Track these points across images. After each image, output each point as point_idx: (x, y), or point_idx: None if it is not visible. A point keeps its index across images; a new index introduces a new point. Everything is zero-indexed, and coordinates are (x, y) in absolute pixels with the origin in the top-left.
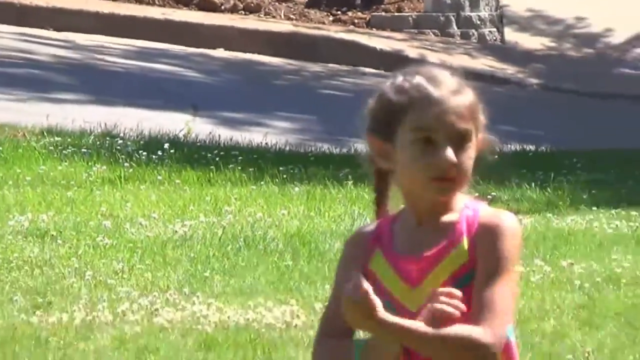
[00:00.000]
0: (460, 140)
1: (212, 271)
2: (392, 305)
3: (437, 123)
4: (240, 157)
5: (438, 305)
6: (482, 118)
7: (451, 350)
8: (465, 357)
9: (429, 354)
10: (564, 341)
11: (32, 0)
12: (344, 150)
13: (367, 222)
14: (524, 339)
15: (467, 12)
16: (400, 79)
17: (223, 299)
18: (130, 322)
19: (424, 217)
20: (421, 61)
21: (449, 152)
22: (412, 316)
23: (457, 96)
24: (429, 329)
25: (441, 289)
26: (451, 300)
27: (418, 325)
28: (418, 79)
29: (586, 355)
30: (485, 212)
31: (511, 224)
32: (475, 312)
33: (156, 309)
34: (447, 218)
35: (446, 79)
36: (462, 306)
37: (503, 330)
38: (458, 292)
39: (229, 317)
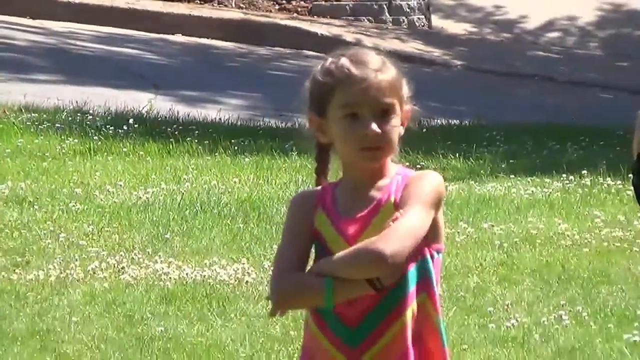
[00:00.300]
0: (383, 113)
1: (172, 233)
2: None
3: (361, 99)
4: (196, 131)
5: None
6: (405, 92)
7: (356, 263)
8: (368, 266)
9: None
10: (485, 295)
11: None
12: (289, 124)
13: (311, 186)
14: (450, 294)
15: (398, 1)
16: (328, 61)
17: (182, 258)
18: (99, 279)
19: (360, 182)
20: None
21: (373, 125)
22: None
23: (379, 74)
24: (343, 252)
25: None
26: None
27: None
28: (342, 61)
29: (505, 307)
30: (412, 174)
31: (432, 175)
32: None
33: (123, 267)
34: (380, 183)
35: (369, 58)
36: None
37: (401, 246)
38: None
39: (187, 274)
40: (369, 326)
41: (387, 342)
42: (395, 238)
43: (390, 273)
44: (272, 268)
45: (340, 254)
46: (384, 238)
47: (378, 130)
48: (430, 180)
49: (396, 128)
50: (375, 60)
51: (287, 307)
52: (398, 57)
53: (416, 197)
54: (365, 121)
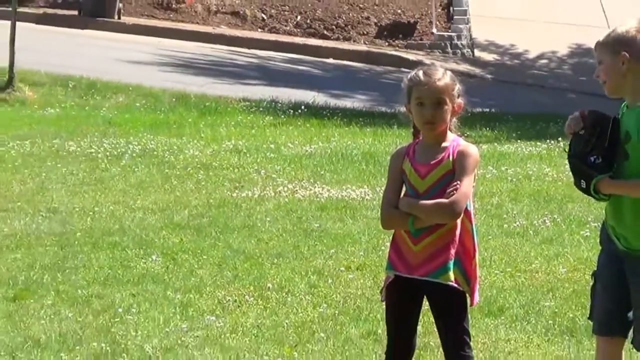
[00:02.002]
0: (438, 104)
1: (325, 170)
2: (411, 189)
3: (424, 95)
4: (340, 114)
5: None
6: (456, 92)
7: (434, 212)
8: (442, 216)
9: (427, 219)
10: (502, 208)
11: (243, 33)
12: (395, 110)
13: (403, 144)
14: (482, 207)
15: (455, 40)
16: (413, 72)
17: (330, 185)
18: (283, 196)
19: (429, 143)
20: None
21: (429, 110)
22: (420, 195)
23: (437, 81)
24: (426, 202)
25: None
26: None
27: (422, 201)
28: (418, 72)
29: (513, 215)
30: (462, 143)
31: (474, 150)
32: (449, 192)
33: (296, 190)
34: (443, 144)
35: (433, 70)
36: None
37: (463, 202)
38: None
39: (333, 194)
40: (427, 227)
41: (436, 237)
42: (459, 200)
43: (454, 220)
44: (382, 196)
45: (425, 202)
46: (454, 200)
47: (432, 113)
48: (472, 156)
49: (446, 113)
50: (437, 72)
51: (387, 229)
52: (455, 72)
53: (466, 170)
54: (426, 108)
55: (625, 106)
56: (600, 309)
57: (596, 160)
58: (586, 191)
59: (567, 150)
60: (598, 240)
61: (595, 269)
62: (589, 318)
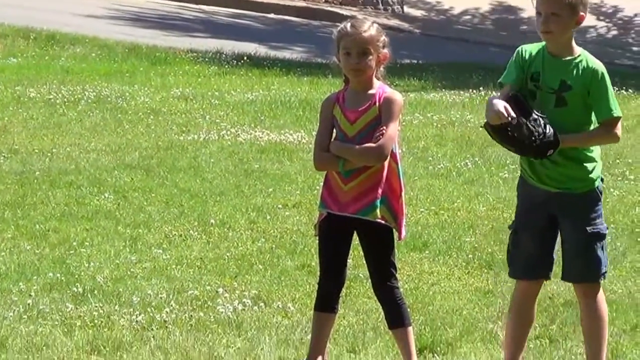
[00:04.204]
0: (363, 54)
1: (264, 116)
2: (341, 133)
3: (350, 45)
4: (279, 64)
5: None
6: (381, 43)
7: (363, 156)
8: (369, 159)
9: (356, 161)
10: (427, 151)
11: None
12: (328, 61)
13: (334, 91)
14: (410, 151)
15: None
16: (341, 25)
17: (269, 129)
18: (225, 139)
19: (357, 90)
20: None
21: (355, 59)
22: (350, 140)
23: (363, 32)
24: (355, 147)
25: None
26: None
27: (351, 146)
28: (346, 24)
29: (438, 157)
30: (388, 90)
31: (398, 97)
32: (376, 137)
33: (238, 134)
34: (370, 91)
35: (361, 24)
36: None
37: (389, 145)
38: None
39: (272, 138)
40: (356, 169)
41: (364, 177)
42: (385, 144)
43: (381, 162)
44: (314, 140)
45: (354, 147)
46: (380, 144)
47: (358, 61)
48: (397, 103)
49: (371, 62)
50: (363, 24)
51: (320, 170)
52: (384, 27)
53: (391, 116)
54: (352, 57)
55: (545, 54)
56: (525, 255)
57: (543, 130)
58: (542, 156)
59: (497, 139)
60: (516, 195)
61: (514, 221)
62: (508, 264)
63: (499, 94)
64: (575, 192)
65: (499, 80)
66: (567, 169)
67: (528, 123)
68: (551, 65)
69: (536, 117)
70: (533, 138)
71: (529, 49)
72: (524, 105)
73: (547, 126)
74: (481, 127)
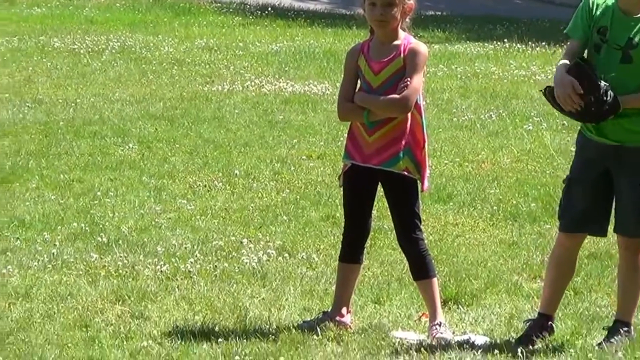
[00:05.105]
0: (388, 5)
1: (289, 67)
2: (365, 84)
3: None
4: (304, 15)
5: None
6: None
7: (387, 107)
8: (393, 110)
9: (380, 113)
10: (452, 103)
11: None
12: (353, 12)
13: (359, 42)
14: (434, 102)
15: None
16: None
17: (294, 80)
18: (249, 90)
19: (382, 41)
20: None
21: (379, 10)
22: (374, 91)
23: None
24: (379, 98)
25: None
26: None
27: (376, 97)
28: None
29: (462, 109)
30: (413, 41)
31: (423, 49)
32: (401, 88)
33: (262, 85)
34: (394, 43)
35: None
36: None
37: (413, 97)
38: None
39: (296, 89)
40: (380, 120)
41: (389, 128)
42: (409, 95)
43: (405, 113)
44: (338, 91)
45: (379, 98)
46: (405, 95)
47: (381, 12)
48: (422, 54)
49: (396, 13)
50: None
51: (343, 121)
52: None
53: (416, 67)
54: (377, 8)
55: (616, 10)
56: (577, 208)
57: (606, 98)
58: (602, 121)
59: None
60: (574, 149)
61: (569, 174)
62: (558, 217)
63: (563, 51)
64: (633, 145)
65: (564, 31)
66: (626, 122)
67: (592, 96)
68: (620, 21)
69: (600, 85)
70: (594, 108)
71: (599, 1)
72: (589, 75)
73: (609, 92)
74: (541, 91)
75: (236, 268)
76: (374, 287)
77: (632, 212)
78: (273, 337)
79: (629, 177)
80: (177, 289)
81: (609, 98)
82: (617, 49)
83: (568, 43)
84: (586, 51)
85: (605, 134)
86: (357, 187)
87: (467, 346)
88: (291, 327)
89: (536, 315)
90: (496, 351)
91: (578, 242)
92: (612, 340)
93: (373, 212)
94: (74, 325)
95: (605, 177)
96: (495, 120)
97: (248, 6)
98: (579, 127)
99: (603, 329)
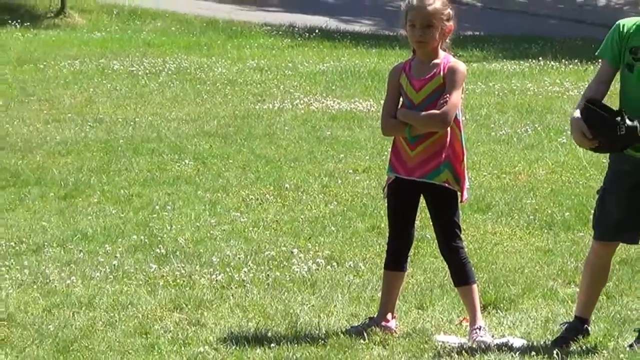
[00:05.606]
0: (427, 27)
1: (335, 86)
2: (407, 100)
3: (415, 18)
4: (349, 36)
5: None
6: (445, 17)
7: (427, 122)
8: (434, 125)
9: (421, 127)
10: (490, 118)
11: None
12: (395, 33)
13: (401, 61)
14: (472, 118)
15: None
16: None
17: (340, 98)
18: (298, 108)
19: (422, 60)
20: None
21: (419, 31)
22: (415, 107)
23: (428, 6)
24: (420, 113)
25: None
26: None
27: (417, 113)
28: None
29: (500, 124)
30: (452, 60)
31: (462, 67)
32: (440, 104)
33: (311, 103)
34: (435, 61)
35: None
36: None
37: (452, 112)
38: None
39: (342, 107)
40: (422, 134)
41: (430, 143)
42: (449, 110)
43: (445, 128)
44: (382, 107)
45: (420, 113)
46: (444, 111)
47: (421, 34)
48: (460, 72)
49: (435, 34)
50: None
51: (387, 136)
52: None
53: (455, 84)
54: (417, 29)
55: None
56: (611, 218)
57: (622, 132)
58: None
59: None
60: (606, 161)
61: (603, 185)
62: (593, 226)
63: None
64: None
65: (596, 53)
66: None
67: (603, 136)
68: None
69: (610, 121)
70: (609, 145)
71: (629, 23)
72: (597, 118)
73: (623, 126)
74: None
75: (287, 277)
76: (418, 293)
77: None
78: (322, 341)
79: None
80: (231, 297)
81: (623, 131)
82: None
83: (599, 65)
84: (619, 72)
85: (637, 148)
86: (401, 199)
87: (506, 348)
88: (339, 332)
89: (572, 319)
90: (533, 353)
91: (612, 250)
92: None
93: (416, 222)
94: (134, 333)
95: (638, 188)
96: (531, 134)
97: (296, 29)
98: None
99: (634, 330)
